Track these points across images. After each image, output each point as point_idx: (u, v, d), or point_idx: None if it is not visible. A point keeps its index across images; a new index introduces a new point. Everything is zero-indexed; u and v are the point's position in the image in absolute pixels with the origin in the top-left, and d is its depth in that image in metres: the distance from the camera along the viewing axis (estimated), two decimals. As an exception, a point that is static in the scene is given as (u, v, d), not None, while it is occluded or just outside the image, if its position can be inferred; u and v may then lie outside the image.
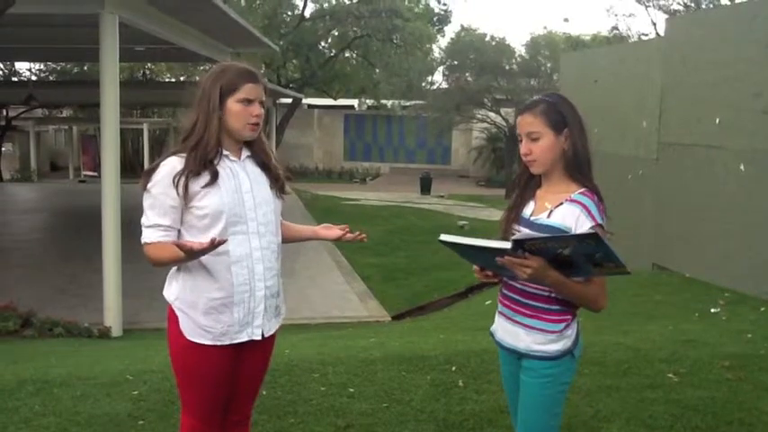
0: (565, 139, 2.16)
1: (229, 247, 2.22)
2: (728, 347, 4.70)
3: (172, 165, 2.21)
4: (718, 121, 7.39)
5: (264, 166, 2.37)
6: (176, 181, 2.17)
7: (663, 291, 7.07)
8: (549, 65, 23.91)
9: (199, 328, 2.26)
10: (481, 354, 4.41)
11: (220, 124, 2.24)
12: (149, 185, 2.21)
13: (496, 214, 17.52)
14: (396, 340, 5.41)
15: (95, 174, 23.33)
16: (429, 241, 13.82)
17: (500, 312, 2.31)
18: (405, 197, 22.35)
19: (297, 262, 11.24)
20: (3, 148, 26.95)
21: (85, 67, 26.09)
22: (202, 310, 2.24)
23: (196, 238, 2.19)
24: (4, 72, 27.30)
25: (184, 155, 2.23)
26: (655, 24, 22.16)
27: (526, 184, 2.29)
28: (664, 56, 8.50)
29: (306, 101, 29.69)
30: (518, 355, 2.23)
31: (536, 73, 23.93)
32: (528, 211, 2.24)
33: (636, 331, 5.13)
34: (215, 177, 2.21)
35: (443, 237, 2.09)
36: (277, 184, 2.39)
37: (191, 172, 2.19)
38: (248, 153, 2.36)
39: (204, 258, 2.19)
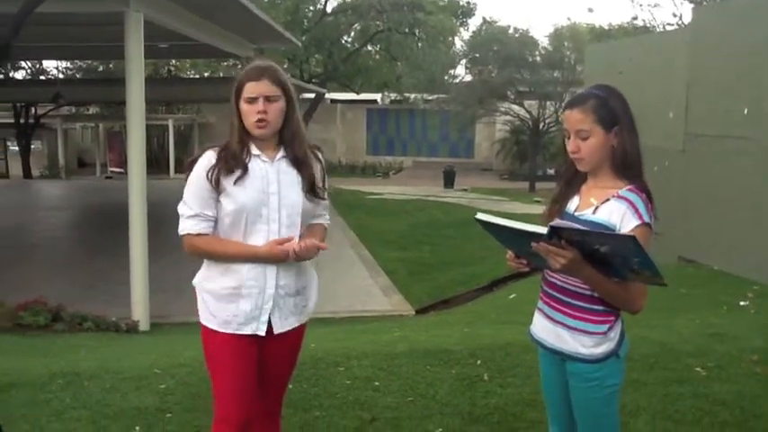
0: (614, 136, 2.07)
1: (248, 242, 2.32)
2: (757, 341, 4.63)
3: (208, 158, 2.31)
4: (746, 111, 7.28)
5: (299, 166, 2.38)
6: (209, 174, 2.28)
7: (689, 284, 6.99)
8: (572, 56, 23.68)
9: (208, 312, 2.36)
10: (506, 347, 4.40)
11: (242, 125, 2.31)
12: (190, 177, 2.32)
13: (520, 208, 17.51)
14: (420, 334, 5.41)
15: (122, 170, 23.57)
16: (453, 235, 13.82)
17: (539, 309, 2.24)
18: (428, 191, 22.31)
19: (320, 256, 11.25)
20: (32, 146, 27.38)
21: (111, 65, 26.37)
22: (214, 296, 2.35)
23: (227, 234, 2.33)
24: (31, 71, 27.68)
25: (219, 149, 2.33)
26: (680, 15, 21.85)
27: (571, 179, 2.21)
28: (690, 46, 8.39)
29: (329, 95, 29.75)
30: (561, 357, 2.17)
31: (559, 65, 23.71)
32: (572, 206, 2.17)
33: (662, 325, 5.08)
34: (244, 173, 2.29)
35: (480, 216, 2.04)
36: (307, 186, 2.38)
37: (221, 168, 2.28)
38: (283, 153, 2.37)
39: None
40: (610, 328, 2.10)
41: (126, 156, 8.90)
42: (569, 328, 2.12)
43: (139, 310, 7.96)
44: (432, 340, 4.91)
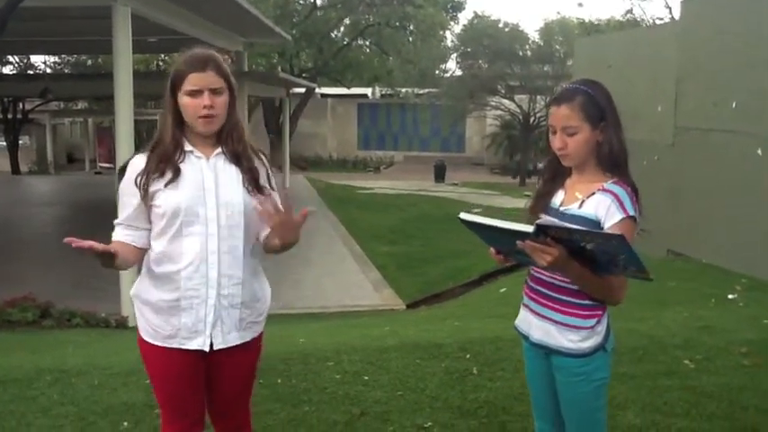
0: (600, 131, 2.07)
1: (182, 249, 2.12)
2: (746, 333, 4.66)
3: (136, 164, 2.14)
4: (734, 105, 7.30)
5: (239, 162, 2.19)
6: (137, 181, 2.11)
7: (678, 277, 7.02)
8: (562, 50, 23.74)
9: (149, 326, 2.18)
10: (495, 341, 4.41)
11: (176, 120, 2.13)
12: (119, 186, 2.17)
13: (511, 202, 17.56)
14: (410, 328, 5.42)
15: (111, 165, 23.48)
16: (444, 229, 13.82)
17: (525, 305, 2.24)
18: (419, 185, 22.32)
19: (311, 251, 11.27)
20: (20, 141, 27.21)
21: (100, 59, 26.23)
22: (154, 309, 2.17)
23: (156, 239, 2.16)
24: (19, 65, 27.49)
25: (148, 153, 2.16)
26: (670, 8, 21.91)
27: (555, 173, 2.21)
28: (679, 39, 8.41)
29: (319, 90, 29.67)
30: (547, 351, 2.17)
31: (550, 59, 23.77)
32: (557, 200, 2.16)
33: (650, 318, 5.11)
34: (176, 175, 2.11)
35: (463, 215, 2.02)
36: (248, 180, 2.18)
37: (150, 171, 2.11)
38: (220, 150, 2.18)
39: (158, 257, 2.15)
40: (597, 323, 2.09)
41: (115, 151, 8.85)
42: (556, 323, 2.12)
43: (128, 306, 7.91)
44: (421, 334, 4.91)
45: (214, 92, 2.10)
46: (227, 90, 2.14)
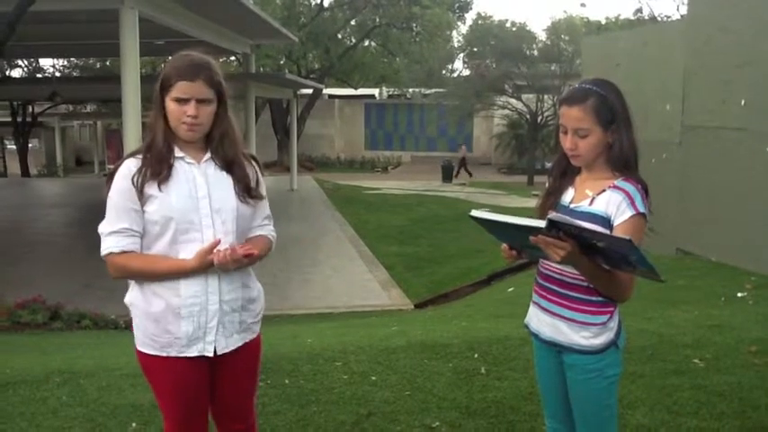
0: (612, 133, 2.07)
1: (180, 257, 2.09)
2: (755, 332, 4.63)
3: (128, 167, 2.08)
4: (743, 102, 7.27)
5: (230, 168, 2.17)
6: (135, 181, 2.05)
7: (687, 275, 6.98)
8: (570, 49, 23.69)
9: (145, 336, 2.14)
10: (503, 341, 4.39)
11: (166, 122, 2.09)
12: (110, 191, 2.09)
13: (519, 201, 17.52)
14: (418, 328, 5.40)
15: (120, 168, 23.58)
16: (451, 229, 13.83)
17: (535, 303, 2.23)
18: (426, 185, 22.32)
19: (319, 252, 11.28)
20: (29, 144, 27.39)
21: (108, 63, 26.36)
22: (151, 319, 2.12)
23: (150, 247, 2.11)
24: (28, 69, 27.65)
25: (140, 156, 2.10)
26: (678, 6, 21.83)
27: (564, 171, 2.20)
28: (687, 38, 8.37)
29: (326, 91, 29.77)
30: (558, 349, 2.16)
31: (557, 58, 23.74)
32: (567, 198, 2.16)
33: (660, 317, 5.08)
34: (168, 177, 2.07)
35: (474, 212, 2.00)
36: (241, 187, 2.17)
37: (146, 173, 2.06)
38: (210, 155, 2.16)
39: None
40: (609, 318, 2.09)
41: (124, 153, 8.89)
42: (568, 319, 2.11)
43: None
44: (429, 334, 4.90)
45: (201, 102, 2.06)
46: (215, 100, 2.10)
